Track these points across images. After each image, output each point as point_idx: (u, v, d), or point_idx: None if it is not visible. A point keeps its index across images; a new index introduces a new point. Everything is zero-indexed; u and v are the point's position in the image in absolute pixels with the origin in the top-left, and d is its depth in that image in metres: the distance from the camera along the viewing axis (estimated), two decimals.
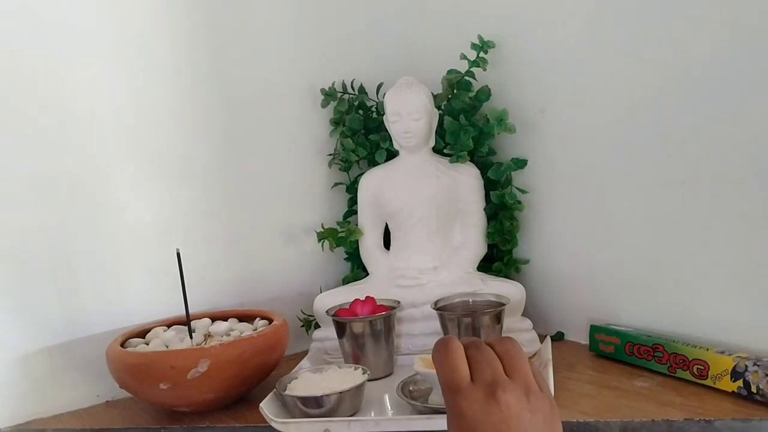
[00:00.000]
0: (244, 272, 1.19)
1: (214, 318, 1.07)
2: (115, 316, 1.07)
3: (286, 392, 0.89)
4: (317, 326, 1.16)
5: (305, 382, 0.91)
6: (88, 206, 1.05)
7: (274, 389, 0.91)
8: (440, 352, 0.54)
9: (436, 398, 0.87)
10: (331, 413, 0.86)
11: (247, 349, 0.93)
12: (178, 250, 0.95)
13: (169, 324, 1.06)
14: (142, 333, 1.03)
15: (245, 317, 1.08)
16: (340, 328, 1.03)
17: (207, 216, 1.14)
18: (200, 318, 1.07)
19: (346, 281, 1.23)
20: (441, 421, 0.76)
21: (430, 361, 0.80)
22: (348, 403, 0.88)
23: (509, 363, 0.53)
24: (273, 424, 0.85)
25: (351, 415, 0.88)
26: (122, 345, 0.98)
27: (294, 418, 0.87)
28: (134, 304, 1.08)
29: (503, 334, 1.01)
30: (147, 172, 1.09)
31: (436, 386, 0.87)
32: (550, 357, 0.97)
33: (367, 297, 1.04)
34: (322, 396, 0.86)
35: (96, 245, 1.05)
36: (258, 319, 1.06)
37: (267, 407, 0.87)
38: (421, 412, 0.86)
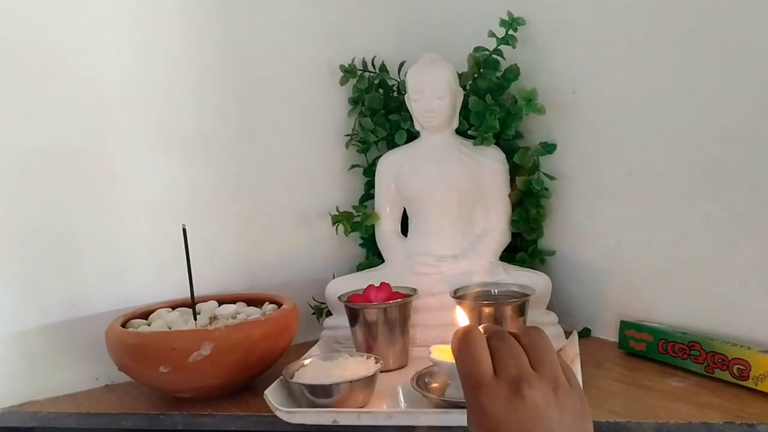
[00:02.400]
0: (255, 255, 1.13)
1: (221, 301, 1.02)
2: (117, 295, 1.02)
3: (294, 380, 0.83)
4: (329, 314, 1.10)
5: (314, 369, 0.85)
6: (93, 180, 1.00)
7: (281, 376, 0.85)
8: (460, 342, 0.50)
9: (454, 391, 0.81)
10: (340, 403, 0.80)
11: (254, 332, 0.87)
12: (184, 226, 0.90)
13: (174, 306, 1.01)
14: (145, 314, 0.98)
15: (254, 301, 1.03)
16: (353, 315, 0.97)
17: (217, 195, 1.09)
18: (207, 300, 1.02)
19: (360, 268, 1.18)
20: (459, 416, 0.71)
21: (448, 351, 0.75)
22: (359, 394, 0.82)
23: (535, 355, 0.49)
24: (278, 414, 0.80)
25: (361, 407, 0.82)
26: (123, 325, 0.93)
27: (301, 407, 0.82)
28: (138, 284, 1.03)
29: None
30: (155, 146, 1.04)
31: (454, 378, 0.81)
32: (578, 352, 0.90)
33: (382, 283, 0.98)
34: (331, 385, 0.80)
35: (100, 221, 1.00)
36: (267, 303, 1.01)
37: (272, 395, 0.82)
38: (437, 406, 0.80)
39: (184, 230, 0.89)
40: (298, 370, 0.86)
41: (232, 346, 0.86)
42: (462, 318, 0.70)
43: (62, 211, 0.97)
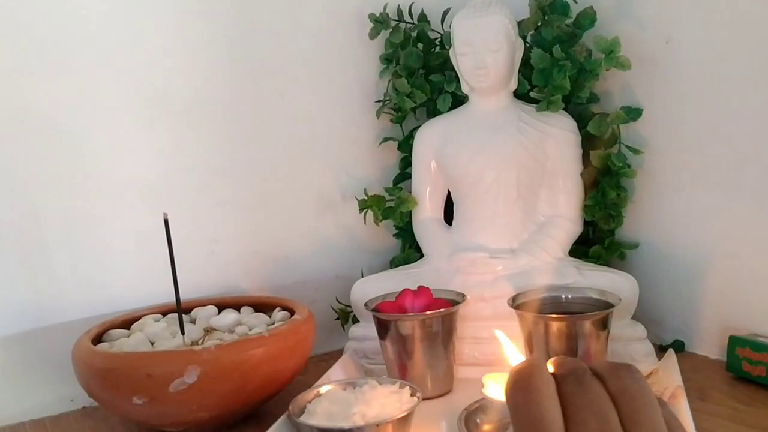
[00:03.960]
0: (266, 248, 0.94)
1: (222, 306, 0.84)
2: (96, 299, 0.85)
3: (303, 418, 0.63)
4: (356, 320, 0.90)
5: (330, 403, 0.66)
6: (63, 159, 0.82)
7: (287, 412, 0.65)
8: (516, 388, 0.36)
9: None
10: None
11: (254, 353, 0.68)
12: (165, 216, 0.70)
13: (165, 311, 0.82)
14: (129, 322, 0.80)
15: (262, 306, 0.84)
16: (383, 328, 0.76)
17: (219, 175, 0.90)
18: (205, 305, 0.83)
19: (394, 264, 0.98)
20: None
21: (504, 381, 0.56)
22: None
23: (629, 411, 0.35)
24: None
25: None
26: (98, 338, 0.75)
27: None
28: (122, 285, 0.86)
29: (608, 345, 0.73)
30: (142, 115, 0.86)
31: None
32: (681, 383, 0.68)
33: (420, 287, 0.77)
34: (352, 429, 0.60)
35: (73, 209, 0.83)
36: (278, 309, 0.81)
37: None
38: None
39: (166, 222, 0.70)
40: (310, 403, 0.66)
41: (224, 372, 0.66)
42: (508, 347, 0.50)
43: (25, 196, 0.80)
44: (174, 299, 0.74)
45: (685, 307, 0.87)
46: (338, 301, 0.96)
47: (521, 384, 0.36)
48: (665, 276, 0.89)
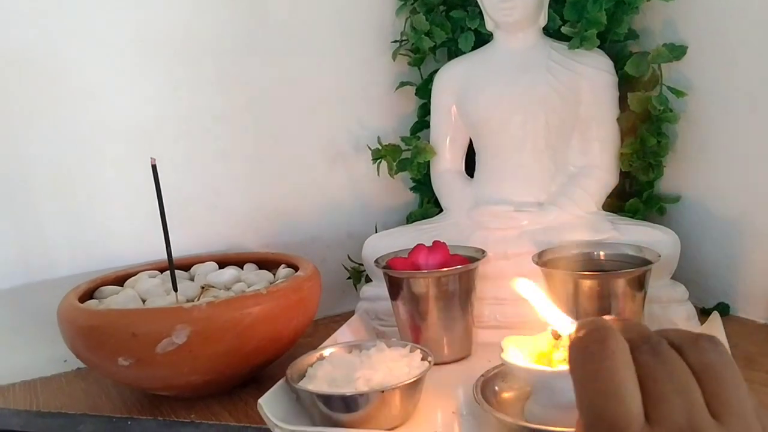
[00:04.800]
0: (273, 202, 0.88)
1: (223, 263, 0.78)
2: (90, 254, 0.80)
3: (302, 384, 0.57)
4: (368, 279, 0.83)
5: (333, 368, 0.59)
6: (52, 101, 0.76)
7: (285, 377, 0.59)
8: (588, 354, 0.31)
9: (538, 409, 0.53)
10: (367, 421, 0.55)
11: (250, 311, 0.62)
12: (153, 160, 0.63)
13: (164, 268, 0.76)
14: (123, 279, 0.75)
15: (267, 263, 0.78)
16: (394, 287, 0.70)
17: (221, 121, 0.84)
18: (204, 262, 0.77)
19: (411, 219, 0.91)
20: None
21: (526, 344, 0.54)
22: (396, 407, 0.56)
23: (716, 390, 0.29)
24: None
25: (399, 426, 0.56)
26: (89, 295, 0.70)
27: (313, 423, 0.57)
28: (118, 239, 0.80)
29: (645, 307, 0.65)
30: (136, 56, 0.79)
31: (540, 389, 0.53)
32: (727, 349, 0.60)
33: (435, 242, 0.70)
34: (354, 395, 0.54)
35: (62, 156, 0.77)
36: (282, 266, 0.75)
37: (270, 405, 0.56)
38: (513, 430, 0.52)
39: (154, 167, 0.63)
40: (311, 367, 0.60)
41: (217, 332, 0.60)
42: (536, 297, 0.43)
43: (10, 145, 0.74)
44: (176, 252, 0.68)
45: (730, 267, 0.79)
46: (350, 260, 0.89)
47: (593, 349, 0.30)
48: (709, 233, 0.80)
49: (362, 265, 0.85)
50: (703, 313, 0.75)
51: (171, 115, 0.80)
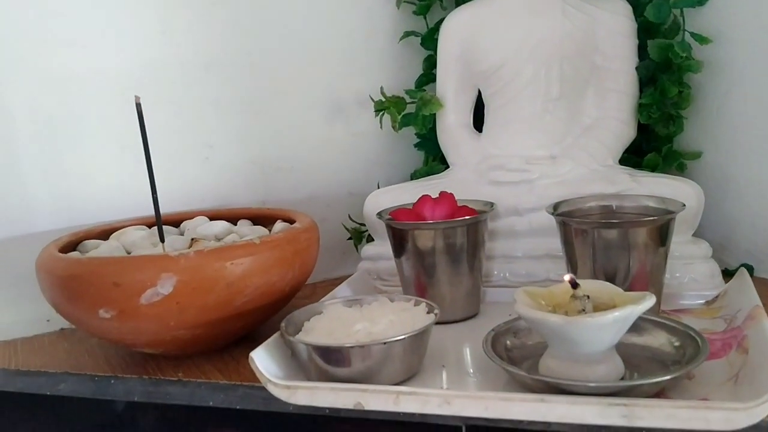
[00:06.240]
0: (268, 157, 0.83)
1: (215, 218, 0.73)
2: (74, 207, 0.75)
3: (298, 337, 0.53)
4: (370, 239, 0.79)
5: (332, 321, 0.55)
6: (34, 44, 0.71)
7: (280, 329, 0.55)
8: None
9: (553, 363, 0.49)
10: (368, 376, 0.51)
11: (242, 261, 0.57)
12: (137, 99, 0.58)
13: (151, 224, 0.72)
14: (107, 233, 0.70)
15: (262, 219, 0.73)
16: (398, 240, 0.65)
17: (214, 70, 0.79)
18: (193, 217, 0.72)
19: (415, 178, 0.86)
20: (563, 408, 0.43)
21: (541, 296, 0.51)
22: (399, 362, 0.51)
23: None
24: (270, 388, 0.51)
25: (402, 382, 0.52)
26: (73, 248, 0.65)
27: (309, 379, 0.53)
28: (102, 193, 0.76)
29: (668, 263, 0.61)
30: None
31: (556, 342, 0.48)
32: (759, 302, 0.56)
33: (442, 193, 0.66)
34: (353, 347, 0.50)
35: (44, 102, 0.72)
36: (278, 222, 0.70)
37: (263, 359, 0.52)
38: (527, 388, 0.48)
39: (138, 106, 0.58)
40: (308, 321, 0.56)
41: (206, 282, 0.56)
42: None
43: None
44: (165, 209, 0.63)
45: (755, 226, 0.74)
46: (351, 219, 0.84)
47: None
48: (731, 191, 0.76)
49: (364, 225, 0.80)
50: (726, 275, 0.70)
51: (159, 60, 0.75)
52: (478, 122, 0.81)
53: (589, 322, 0.46)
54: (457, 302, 0.65)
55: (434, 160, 0.85)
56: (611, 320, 0.45)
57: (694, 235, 0.68)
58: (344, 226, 0.84)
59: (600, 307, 0.48)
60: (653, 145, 0.77)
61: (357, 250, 0.83)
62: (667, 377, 0.45)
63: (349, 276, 0.77)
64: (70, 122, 0.73)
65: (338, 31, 0.84)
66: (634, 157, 0.77)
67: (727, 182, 0.76)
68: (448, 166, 0.81)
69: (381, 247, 0.74)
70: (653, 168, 0.76)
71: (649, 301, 0.46)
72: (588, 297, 0.48)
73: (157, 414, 0.61)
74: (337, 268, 0.83)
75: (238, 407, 0.56)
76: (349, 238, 0.84)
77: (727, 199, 0.76)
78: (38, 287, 0.62)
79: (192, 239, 0.66)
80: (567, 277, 0.49)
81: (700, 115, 0.77)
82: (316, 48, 0.83)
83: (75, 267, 0.57)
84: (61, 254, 0.60)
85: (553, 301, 0.51)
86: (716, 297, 0.64)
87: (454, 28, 0.79)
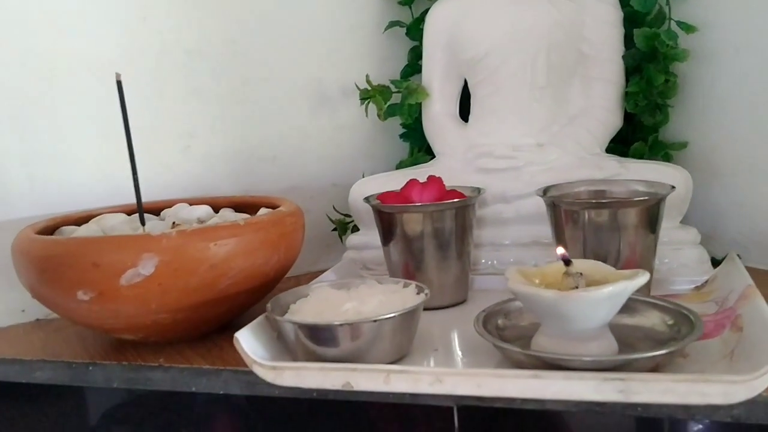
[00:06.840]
0: (251, 146, 0.82)
1: (195, 205, 0.71)
2: (51, 194, 0.72)
3: (286, 317, 0.51)
4: (356, 230, 0.77)
5: (320, 302, 0.54)
6: (9, 28, 0.69)
7: (267, 311, 0.53)
8: None
9: (546, 341, 0.48)
10: (357, 356, 0.49)
11: (226, 242, 0.55)
12: (118, 76, 0.57)
13: (131, 212, 0.70)
14: (85, 220, 0.68)
15: (245, 207, 0.71)
16: (386, 225, 0.64)
17: (196, 56, 0.77)
18: (173, 205, 0.71)
19: (401, 168, 0.84)
20: (558, 384, 0.43)
21: (535, 276, 0.50)
22: (389, 341, 0.50)
23: None
24: (256, 369, 0.49)
25: (394, 362, 0.50)
26: (51, 233, 0.63)
27: (296, 359, 0.51)
28: (80, 180, 0.73)
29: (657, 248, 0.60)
30: None
31: (549, 320, 0.47)
32: (751, 281, 0.55)
33: (430, 177, 0.65)
34: (342, 325, 0.48)
35: (19, 88, 0.70)
36: (262, 209, 0.69)
37: (248, 340, 0.51)
38: (519, 365, 0.47)
39: (119, 83, 0.57)
40: (294, 303, 0.54)
41: (189, 263, 0.54)
42: None
43: None
44: (146, 197, 0.61)
45: (741, 216, 0.74)
46: (336, 210, 0.83)
47: None
48: (718, 180, 0.75)
49: (349, 215, 0.79)
50: (714, 264, 0.70)
51: (139, 46, 0.74)
52: (464, 113, 0.80)
53: (584, 297, 0.45)
54: (446, 288, 0.63)
55: (420, 151, 0.84)
56: (606, 295, 0.44)
57: (682, 222, 0.68)
58: (329, 218, 0.82)
59: (593, 285, 0.47)
60: (639, 135, 0.77)
61: (342, 241, 0.81)
62: (663, 351, 0.44)
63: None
64: (49, 109, 0.71)
65: (323, 21, 0.83)
66: (620, 146, 0.77)
67: (713, 172, 0.76)
68: (433, 158, 0.80)
69: (367, 237, 0.73)
70: (640, 157, 0.75)
71: (643, 277, 0.46)
72: (581, 274, 0.48)
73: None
74: (321, 261, 0.82)
75: (221, 392, 0.55)
76: (334, 229, 0.82)
77: (713, 190, 0.76)
78: (13, 276, 0.60)
79: (174, 223, 0.65)
80: (560, 251, 0.48)
81: (687, 105, 0.77)
82: (300, 37, 0.82)
83: (52, 247, 0.55)
84: (36, 236, 0.58)
85: (546, 280, 0.50)
86: (705, 282, 0.63)
87: (440, 16, 0.78)
